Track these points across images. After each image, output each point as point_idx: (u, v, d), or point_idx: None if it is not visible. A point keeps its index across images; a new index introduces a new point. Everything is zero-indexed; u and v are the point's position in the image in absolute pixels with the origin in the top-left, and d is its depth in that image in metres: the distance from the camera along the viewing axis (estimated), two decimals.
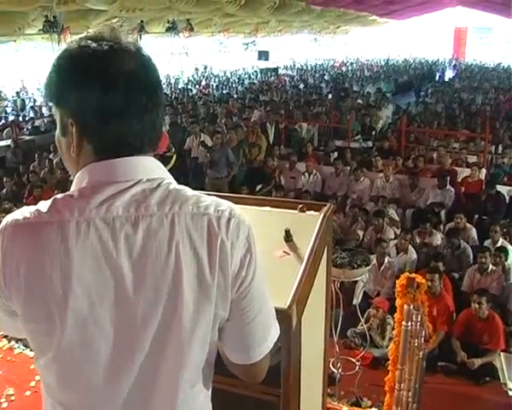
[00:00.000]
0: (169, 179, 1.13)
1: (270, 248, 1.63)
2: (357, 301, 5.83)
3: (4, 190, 9.43)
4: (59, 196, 1.08)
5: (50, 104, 1.15)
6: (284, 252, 1.68)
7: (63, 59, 1.08)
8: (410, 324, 2.51)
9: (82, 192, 1.06)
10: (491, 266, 6.04)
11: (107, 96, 1.04)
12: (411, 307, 2.47)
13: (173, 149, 6.28)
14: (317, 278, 1.73)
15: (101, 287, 1.04)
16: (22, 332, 1.14)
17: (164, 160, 1.24)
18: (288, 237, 1.73)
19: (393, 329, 4.92)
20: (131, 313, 1.06)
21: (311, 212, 1.89)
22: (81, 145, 1.08)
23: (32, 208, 1.06)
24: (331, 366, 4.07)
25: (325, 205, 1.89)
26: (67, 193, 1.09)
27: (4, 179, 9.60)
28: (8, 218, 1.07)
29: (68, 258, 1.01)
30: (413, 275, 2.57)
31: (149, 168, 1.11)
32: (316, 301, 1.76)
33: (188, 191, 1.12)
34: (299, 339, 1.47)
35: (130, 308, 1.05)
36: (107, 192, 1.05)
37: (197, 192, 1.14)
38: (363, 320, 5.17)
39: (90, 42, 1.06)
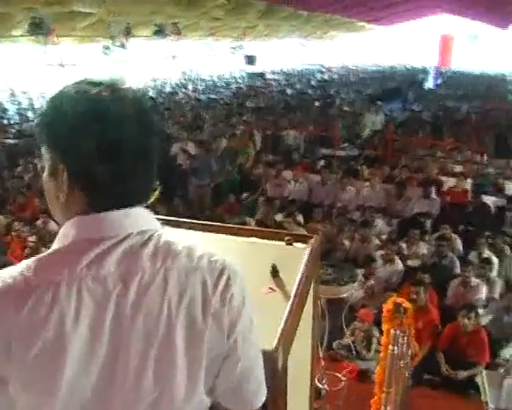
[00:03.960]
0: (159, 230, 1.11)
1: (257, 285, 1.61)
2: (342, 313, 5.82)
3: None
4: (45, 254, 1.04)
5: (42, 146, 1.11)
6: (270, 289, 1.66)
7: (60, 102, 1.06)
8: (396, 348, 2.49)
9: (70, 249, 1.03)
10: (473, 280, 6.05)
11: (103, 143, 1.02)
12: (398, 331, 2.46)
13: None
14: (304, 312, 1.71)
15: (94, 348, 1.01)
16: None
17: None
18: (274, 272, 1.71)
19: (379, 341, 4.94)
20: (124, 371, 1.03)
21: (299, 244, 1.88)
22: (72, 191, 1.05)
23: (15, 271, 1.01)
24: (317, 381, 4.05)
25: (311, 237, 1.88)
26: (53, 249, 1.05)
27: None
28: None
29: (61, 322, 0.98)
30: (400, 299, 2.56)
31: (140, 220, 1.09)
32: (302, 336, 1.74)
33: (179, 244, 1.10)
34: (285, 379, 1.45)
35: (123, 366, 1.03)
36: (97, 249, 1.03)
37: (189, 243, 1.12)
38: (348, 333, 5.16)
39: (89, 87, 1.05)
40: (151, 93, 21.84)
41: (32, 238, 6.69)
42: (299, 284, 1.60)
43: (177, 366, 1.05)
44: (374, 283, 6.14)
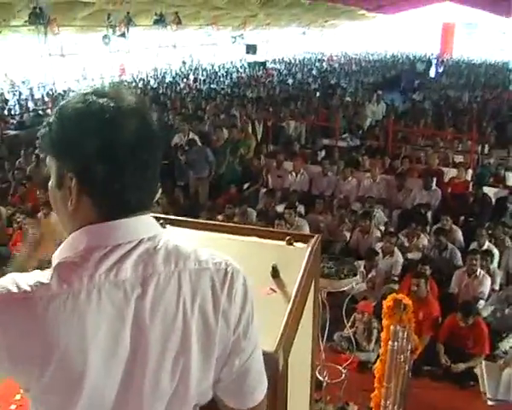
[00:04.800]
0: (165, 236, 1.15)
1: (257, 285, 1.62)
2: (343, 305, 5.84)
3: None
4: (59, 262, 1.06)
5: (47, 156, 1.13)
6: (271, 289, 1.67)
7: (67, 112, 1.08)
8: (396, 343, 2.51)
9: (85, 257, 1.05)
10: (479, 270, 6.06)
11: (112, 152, 1.04)
12: (398, 327, 2.47)
13: None
14: (305, 309, 1.72)
15: (116, 353, 1.04)
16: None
17: None
18: (275, 273, 1.72)
19: (379, 332, 4.95)
20: (141, 373, 1.07)
21: (299, 244, 1.89)
22: (80, 199, 1.08)
23: (32, 279, 1.02)
24: (317, 373, 4.08)
25: (312, 237, 1.89)
26: (67, 258, 1.06)
27: None
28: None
29: (83, 329, 1.00)
30: (400, 296, 2.58)
31: (148, 226, 1.12)
32: (303, 332, 1.76)
33: (186, 247, 1.15)
34: (285, 380, 1.47)
35: (141, 369, 1.07)
36: (115, 256, 1.05)
37: (193, 247, 1.17)
38: (348, 326, 5.17)
39: (95, 97, 1.07)
40: (152, 83, 21.76)
41: (33, 230, 6.68)
42: (299, 286, 1.61)
43: (191, 364, 1.11)
44: (374, 275, 6.15)
